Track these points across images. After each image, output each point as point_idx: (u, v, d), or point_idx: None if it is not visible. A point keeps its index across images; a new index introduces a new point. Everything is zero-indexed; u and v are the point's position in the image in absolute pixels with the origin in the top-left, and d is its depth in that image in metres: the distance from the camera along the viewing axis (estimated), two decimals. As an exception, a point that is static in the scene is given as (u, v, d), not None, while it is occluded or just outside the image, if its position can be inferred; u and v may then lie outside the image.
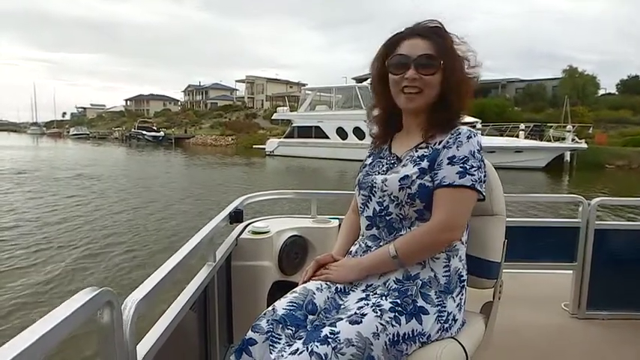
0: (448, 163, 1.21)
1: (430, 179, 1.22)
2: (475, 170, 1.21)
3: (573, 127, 22.18)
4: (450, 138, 1.24)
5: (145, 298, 0.87)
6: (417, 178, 1.21)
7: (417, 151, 1.28)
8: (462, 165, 1.20)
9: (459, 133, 1.24)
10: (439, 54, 1.23)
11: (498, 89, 40.79)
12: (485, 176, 1.26)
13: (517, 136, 22.87)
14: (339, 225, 2.05)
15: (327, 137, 26.19)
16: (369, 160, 1.42)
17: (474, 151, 1.22)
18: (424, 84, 1.24)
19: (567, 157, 21.95)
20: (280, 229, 2.03)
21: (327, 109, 27.95)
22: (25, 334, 0.56)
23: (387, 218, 1.26)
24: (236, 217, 1.88)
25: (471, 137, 1.24)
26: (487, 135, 23.26)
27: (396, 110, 1.34)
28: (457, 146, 1.22)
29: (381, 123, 1.41)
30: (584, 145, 21.13)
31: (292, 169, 22.81)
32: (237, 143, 39.23)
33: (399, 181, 1.22)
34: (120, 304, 0.77)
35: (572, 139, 21.56)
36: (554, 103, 33.72)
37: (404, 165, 1.27)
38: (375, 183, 1.29)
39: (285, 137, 29.59)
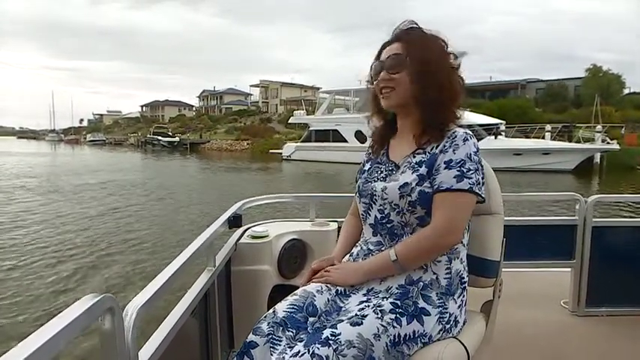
0: (445, 167, 1.20)
1: (430, 185, 1.21)
2: (472, 173, 1.20)
3: (604, 127, 21.27)
4: (447, 142, 1.23)
5: (146, 304, 0.87)
6: (416, 185, 1.21)
7: (414, 157, 1.27)
8: (459, 168, 1.19)
9: (455, 137, 1.23)
10: (406, 51, 1.25)
11: (518, 90, 39.94)
12: (483, 178, 1.25)
13: (543, 138, 22.08)
14: (338, 228, 2.03)
15: (346, 141, 25.62)
16: (367, 166, 1.41)
17: (471, 154, 1.21)
18: (394, 83, 1.26)
19: (597, 159, 21.08)
20: (279, 233, 2.01)
21: (344, 112, 27.42)
22: (26, 342, 0.56)
23: (389, 225, 1.26)
24: (235, 221, 1.88)
25: (467, 140, 1.23)
26: (512, 137, 22.55)
27: (392, 116, 1.37)
28: (453, 150, 1.21)
29: (379, 128, 1.42)
30: (617, 146, 20.22)
31: (310, 173, 22.37)
32: (252, 148, 38.99)
33: (399, 189, 1.22)
34: (121, 310, 0.77)
35: (603, 140, 20.67)
36: (578, 103, 32.81)
37: (402, 172, 1.27)
38: (375, 191, 1.29)
39: (302, 141, 29.20)
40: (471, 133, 1.26)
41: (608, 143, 20.47)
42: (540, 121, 25.48)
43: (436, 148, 1.24)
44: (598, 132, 20.95)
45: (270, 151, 32.84)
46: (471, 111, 25.13)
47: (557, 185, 16.38)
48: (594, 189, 17.08)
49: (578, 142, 21.39)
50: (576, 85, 35.65)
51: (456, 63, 1.29)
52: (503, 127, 22.68)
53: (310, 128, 28.45)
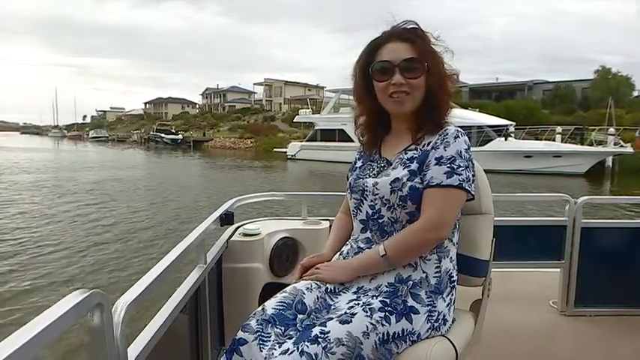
0: (436, 164, 1.21)
1: (420, 181, 1.22)
2: (463, 170, 1.21)
3: (617, 130, 20.79)
4: (438, 139, 1.24)
5: (135, 301, 0.87)
6: (407, 180, 1.22)
7: (406, 154, 1.28)
8: (449, 165, 1.20)
9: (447, 134, 1.24)
10: (421, 55, 1.24)
11: (524, 91, 39.51)
12: (474, 176, 1.25)
13: (553, 140, 21.65)
14: (330, 226, 2.01)
15: (352, 141, 25.01)
16: (359, 163, 1.41)
17: (462, 151, 1.22)
18: (411, 87, 1.25)
19: (609, 163, 20.62)
20: (271, 231, 2.01)
21: (351, 112, 26.82)
22: (14, 337, 0.56)
23: (380, 221, 1.26)
24: (227, 219, 1.87)
25: (458, 137, 1.24)
26: (522, 139, 22.10)
27: (384, 114, 1.35)
28: (444, 146, 1.23)
29: (369, 128, 1.40)
30: (630, 150, 19.70)
31: (316, 173, 22.00)
32: (256, 146, 38.63)
33: (390, 184, 1.23)
34: (110, 306, 0.77)
35: (616, 143, 20.21)
36: (586, 105, 32.38)
37: (394, 168, 1.27)
38: (367, 186, 1.29)
39: (307, 140, 28.83)
40: (462, 130, 1.26)
41: (621, 146, 20.01)
42: (547, 122, 25.06)
43: (428, 145, 1.25)
44: (611, 135, 20.48)
45: (275, 149, 32.44)
46: (479, 112, 24.85)
47: (567, 189, 15.95)
48: (606, 194, 16.68)
49: (590, 144, 20.93)
50: (584, 87, 35.27)
51: (451, 65, 1.29)
52: (512, 129, 22.26)
53: (316, 127, 28.01)
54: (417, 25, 1.28)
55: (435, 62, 1.25)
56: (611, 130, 20.81)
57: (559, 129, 22.05)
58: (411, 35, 1.26)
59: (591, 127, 22.64)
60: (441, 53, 1.28)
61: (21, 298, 4.96)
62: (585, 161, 19.58)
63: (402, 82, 1.23)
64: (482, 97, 40.21)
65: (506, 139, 20.81)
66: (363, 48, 1.33)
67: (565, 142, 21.34)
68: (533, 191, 13.46)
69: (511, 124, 22.20)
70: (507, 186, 14.76)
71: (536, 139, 22.42)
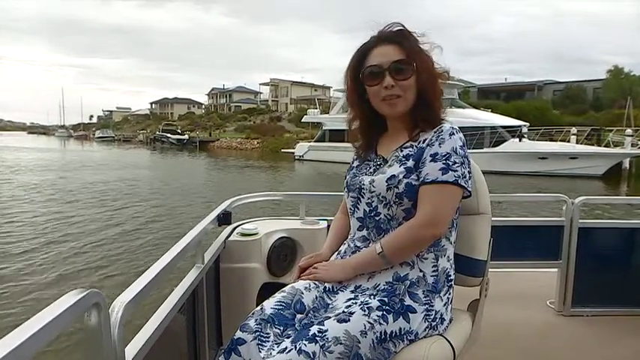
0: (431, 160, 1.21)
1: (416, 178, 1.22)
2: (458, 166, 1.21)
3: (635, 131, 20.26)
4: (433, 136, 1.25)
5: (133, 300, 0.87)
6: (403, 177, 1.22)
7: (402, 151, 1.29)
8: (444, 161, 1.21)
9: (442, 131, 1.25)
10: (410, 56, 1.25)
11: (534, 91, 39.01)
12: (470, 172, 1.25)
13: (568, 141, 21.17)
14: (328, 226, 2.04)
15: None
16: (356, 163, 1.43)
17: (456, 148, 1.23)
18: (403, 89, 1.26)
19: (626, 164, 20.10)
20: (269, 231, 2.00)
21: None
22: (10, 337, 0.56)
23: (376, 219, 1.27)
24: (224, 218, 1.88)
25: (453, 134, 1.24)
26: (538, 140, 21.64)
27: (378, 117, 1.36)
28: (439, 143, 1.23)
29: (363, 133, 1.41)
30: (649, 152, 19.23)
31: (325, 175, 21.63)
32: (262, 147, 38.37)
33: (386, 181, 1.23)
34: (108, 305, 0.77)
35: (634, 145, 19.70)
36: (597, 106, 31.86)
37: (390, 165, 1.28)
38: (363, 184, 1.30)
39: (315, 141, 28.50)
40: (457, 127, 1.26)
41: (639, 147, 19.49)
42: (559, 123, 24.59)
43: (423, 142, 1.25)
44: (629, 136, 19.97)
45: (282, 150, 32.20)
46: (491, 112, 24.42)
47: (583, 192, 15.47)
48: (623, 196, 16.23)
49: (607, 146, 20.40)
50: (595, 87, 34.73)
51: (440, 62, 1.30)
52: (526, 130, 21.81)
53: (324, 128, 27.66)
54: (403, 26, 1.28)
55: (423, 61, 1.26)
56: (629, 131, 20.30)
57: (574, 130, 21.58)
58: (398, 37, 1.27)
59: (608, 128, 22.10)
60: (428, 51, 1.28)
61: (17, 298, 4.84)
62: (602, 163, 19.09)
63: (393, 85, 1.24)
64: (491, 97, 39.76)
65: (520, 140, 20.37)
66: (353, 54, 1.33)
67: (581, 144, 20.84)
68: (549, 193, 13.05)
69: (525, 125, 21.75)
70: (521, 188, 14.30)
71: (551, 140, 21.94)
